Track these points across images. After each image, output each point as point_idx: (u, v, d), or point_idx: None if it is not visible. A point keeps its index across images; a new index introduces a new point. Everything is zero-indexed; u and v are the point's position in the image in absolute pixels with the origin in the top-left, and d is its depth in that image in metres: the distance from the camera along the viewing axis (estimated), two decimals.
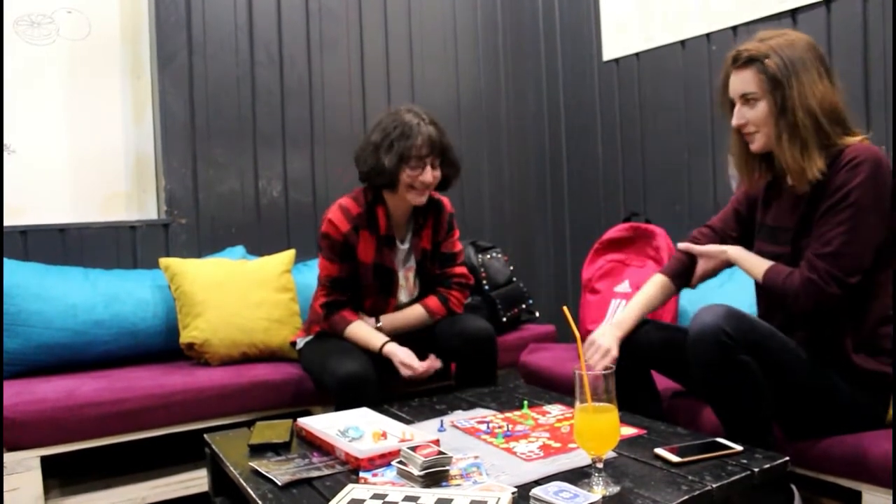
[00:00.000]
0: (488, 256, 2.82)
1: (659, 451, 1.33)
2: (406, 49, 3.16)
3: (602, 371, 1.18)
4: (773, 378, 1.45)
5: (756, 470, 1.24)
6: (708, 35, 2.61)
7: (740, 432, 1.42)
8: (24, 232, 2.38)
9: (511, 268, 2.86)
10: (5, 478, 1.77)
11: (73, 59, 2.55)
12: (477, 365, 2.01)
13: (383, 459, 1.33)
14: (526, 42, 3.46)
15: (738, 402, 1.44)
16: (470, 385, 1.97)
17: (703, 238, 1.76)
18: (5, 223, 2.33)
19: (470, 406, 1.76)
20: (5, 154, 2.42)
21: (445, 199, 2.15)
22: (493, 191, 3.39)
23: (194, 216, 2.68)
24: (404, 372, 1.90)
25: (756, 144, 1.56)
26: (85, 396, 1.89)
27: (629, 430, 1.48)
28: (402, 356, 1.91)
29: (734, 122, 1.56)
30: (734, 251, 1.62)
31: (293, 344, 2.17)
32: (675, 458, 1.29)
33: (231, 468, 1.39)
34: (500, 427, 1.54)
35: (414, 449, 1.26)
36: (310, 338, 2.10)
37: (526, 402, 1.70)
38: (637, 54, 2.91)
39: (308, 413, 1.90)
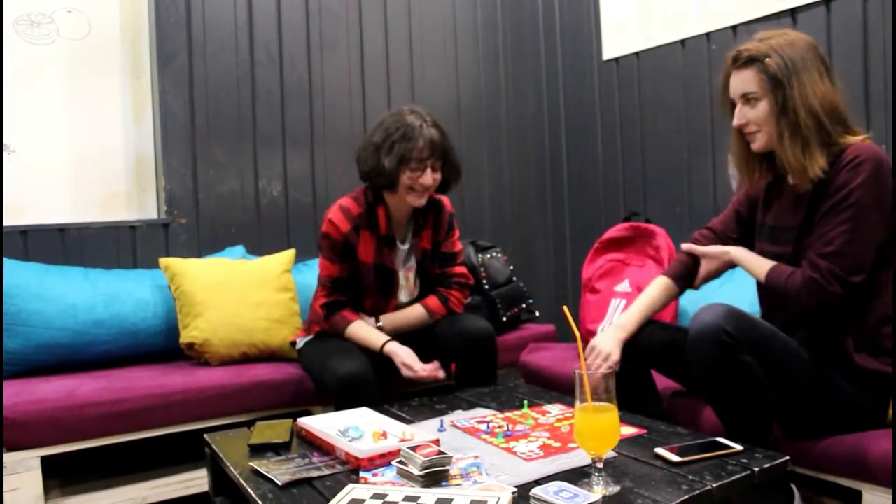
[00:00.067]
0: (488, 256, 2.82)
1: (659, 450, 1.33)
2: (406, 49, 3.16)
3: (602, 371, 1.18)
4: (773, 378, 1.44)
5: (756, 469, 1.24)
6: (708, 35, 2.61)
7: (741, 432, 1.42)
8: (24, 232, 2.38)
9: (511, 267, 2.86)
10: (5, 478, 1.76)
11: (73, 59, 2.55)
12: (477, 365, 2.01)
13: (383, 459, 1.33)
14: (526, 42, 3.46)
15: (739, 402, 1.44)
16: (470, 385, 1.97)
17: (703, 240, 1.75)
18: (5, 223, 2.33)
19: (470, 406, 1.76)
20: (5, 154, 2.42)
21: (445, 199, 2.15)
22: (493, 191, 3.39)
23: (194, 216, 2.68)
24: (405, 372, 1.90)
25: (757, 144, 1.56)
26: (85, 396, 1.89)
27: (629, 430, 1.48)
28: (404, 356, 1.91)
29: (735, 121, 1.56)
30: (737, 252, 1.63)
31: (293, 344, 2.17)
32: (675, 458, 1.29)
33: (231, 468, 1.39)
34: (500, 427, 1.54)
35: (414, 449, 1.26)
36: (310, 338, 2.10)
37: (526, 402, 1.70)
38: (637, 54, 2.91)
39: (308, 413, 1.90)
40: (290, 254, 2.54)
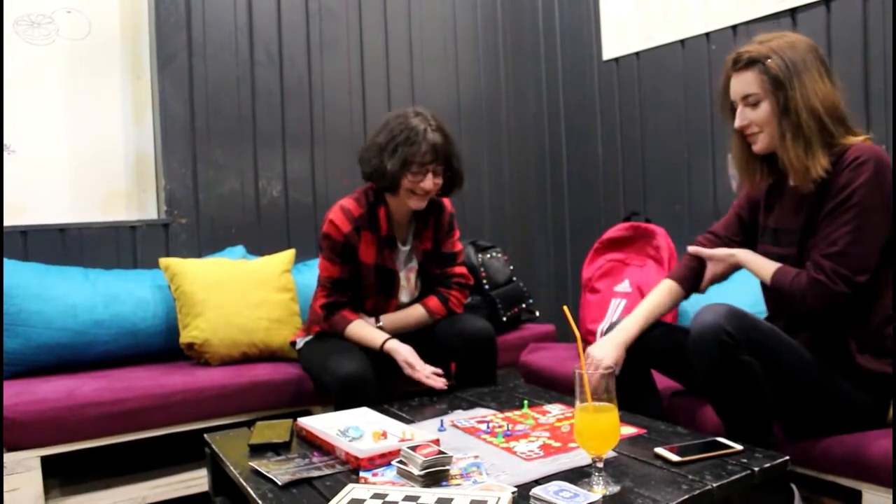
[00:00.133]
0: (488, 256, 2.82)
1: (659, 450, 1.33)
2: (406, 49, 3.16)
3: (602, 371, 1.18)
4: (774, 377, 1.44)
5: (756, 469, 1.24)
6: (708, 35, 2.61)
7: (741, 432, 1.42)
8: (24, 232, 2.38)
9: (511, 267, 2.86)
10: (5, 478, 1.77)
11: (73, 59, 2.55)
12: (477, 365, 2.01)
13: (383, 459, 1.33)
14: (526, 42, 3.46)
15: (739, 402, 1.44)
16: (470, 385, 1.97)
17: (707, 244, 1.75)
18: (5, 223, 2.33)
19: (470, 406, 1.76)
20: (5, 154, 2.42)
21: (446, 200, 2.15)
22: (493, 191, 3.39)
23: (194, 216, 2.68)
24: (407, 370, 1.90)
25: (759, 145, 1.56)
26: (85, 396, 1.89)
27: (629, 430, 1.48)
28: (406, 354, 1.91)
29: (737, 123, 1.56)
30: (742, 254, 1.62)
31: (293, 344, 2.17)
32: (675, 458, 1.29)
33: (231, 468, 1.39)
34: (500, 427, 1.54)
35: (414, 449, 1.26)
36: (310, 338, 2.10)
37: (526, 402, 1.70)
38: (637, 54, 2.91)
39: (308, 413, 1.90)
40: (290, 254, 2.54)
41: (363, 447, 1.35)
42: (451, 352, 2.04)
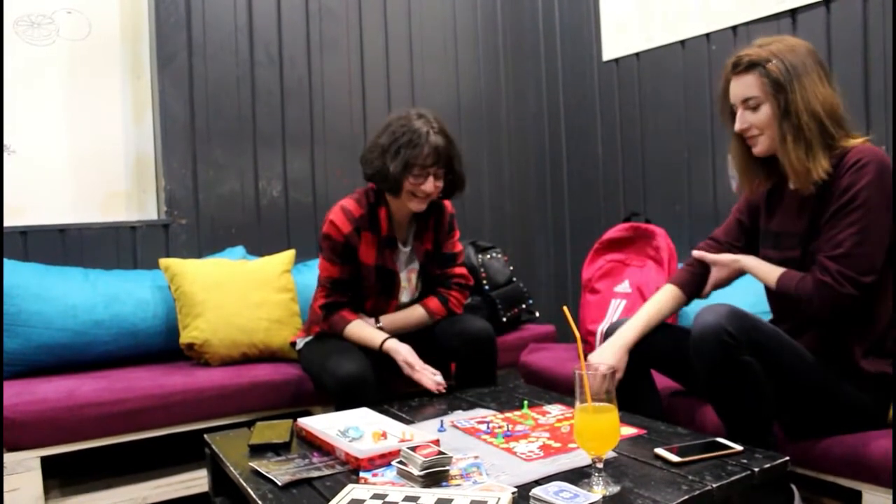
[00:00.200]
0: (488, 256, 2.82)
1: (659, 451, 1.33)
2: (406, 49, 3.16)
3: (602, 371, 1.18)
4: (775, 378, 1.45)
5: (756, 470, 1.24)
6: (708, 35, 2.61)
7: (741, 432, 1.43)
8: (24, 232, 2.38)
9: (511, 268, 2.86)
10: (5, 478, 1.77)
11: (73, 60, 2.55)
12: (477, 365, 2.01)
13: (383, 459, 1.33)
14: (526, 42, 3.46)
15: (740, 402, 1.44)
16: (470, 385, 1.97)
17: (708, 250, 1.75)
18: (5, 223, 2.33)
19: (470, 406, 1.76)
20: (5, 154, 2.42)
21: (446, 200, 2.15)
22: (493, 191, 3.39)
23: (194, 216, 2.68)
24: (407, 370, 1.90)
25: (759, 147, 1.56)
26: (85, 396, 1.89)
27: (629, 430, 1.48)
28: (405, 353, 1.91)
29: (737, 126, 1.56)
30: (746, 260, 1.62)
31: (293, 344, 2.17)
32: (675, 458, 1.29)
33: (231, 468, 1.39)
34: (500, 427, 1.54)
35: (414, 449, 1.26)
36: (309, 338, 2.10)
37: (526, 402, 1.70)
38: (637, 54, 2.91)
39: (308, 413, 1.90)
40: (290, 254, 2.54)
41: (363, 447, 1.35)
42: (451, 352, 2.04)
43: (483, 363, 2.02)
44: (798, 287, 1.47)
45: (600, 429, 1.16)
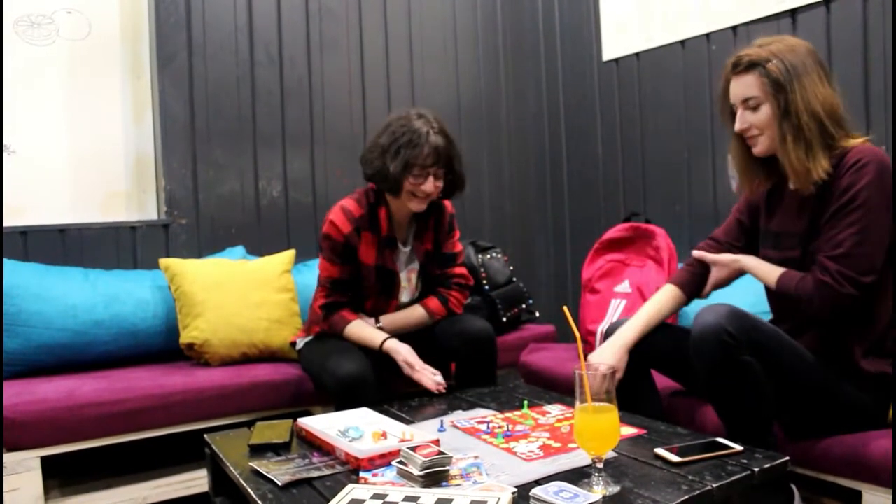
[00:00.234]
0: (488, 256, 2.82)
1: (659, 451, 1.33)
2: (406, 49, 3.16)
3: (602, 371, 1.18)
4: (775, 378, 1.45)
5: (756, 470, 1.24)
6: (708, 35, 2.61)
7: (741, 432, 1.43)
8: (24, 232, 2.38)
9: (511, 268, 2.86)
10: (5, 478, 1.76)
11: (73, 59, 2.55)
12: (477, 365, 2.01)
13: (383, 459, 1.33)
14: (526, 42, 3.46)
15: (740, 402, 1.44)
16: (470, 385, 1.97)
17: (708, 250, 1.75)
18: (5, 223, 2.33)
19: (470, 406, 1.76)
20: (5, 154, 2.42)
21: (446, 200, 2.15)
22: (493, 191, 3.39)
23: (194, 216, 2.68)
24: (406, 370, 1.90)
25: (759, 147, 1.56)
26: (85, 397, 1.89)
27: (629, 430, 1.48)
28: (405, 353, 1.91)
29: (737, 126, 1.56)
30: (747, 260, 1.62)
31: (293, 344, 2.17)
32: (675, 458, 1.29)
33: (231, 468, 1.39)
34: (500, 427, 1.54)
35: (414, 449, 1.26)
36: (309, 338, 2.10)
37: (526, 402, 1.70)
38: (637, 54, 2.91)
39: (308, 413, 1.90)
40: (290, 254, 2.54)
41: (363, 447, 1.35)
42: (451, 352, 2.04)
43: (483, 363, 2.02)
44: (798, 287, 1.47)
45: (600, 429, 1.16)
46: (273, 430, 1.56)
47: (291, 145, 2.88)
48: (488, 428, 1.54)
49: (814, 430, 1.51)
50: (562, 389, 2.01)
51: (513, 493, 1.15)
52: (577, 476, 1.24)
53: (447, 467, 1.25)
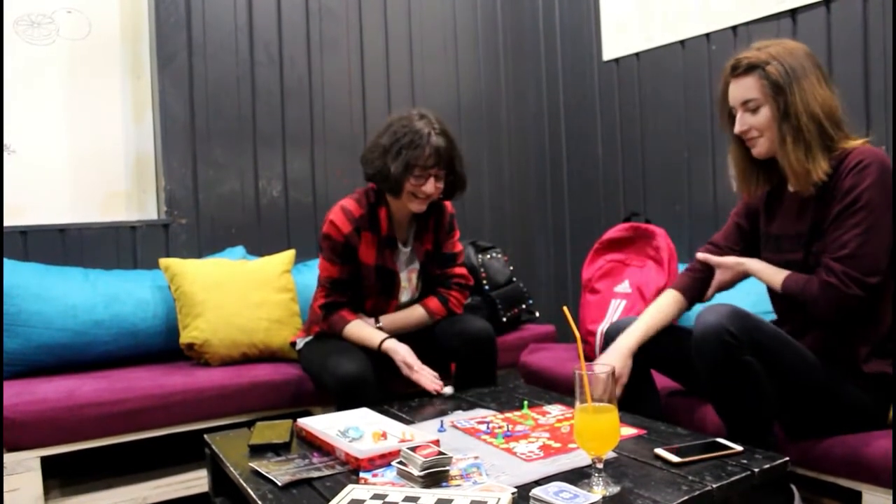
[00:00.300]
0: (488, 256, 2.82)
1: (659, 451, 1.33)
2: (406, 49, 3.16)
3: (602, 371, 1.18)
4: (776, 378, 1.45)
5: (756, 470, 1.24)
6: (708, 35, 2.61)
7: (742, 432, 1.43)
8: (24, 232, 2.38)
9: (511, 268, 2.86)
10: (5, 478, 1.77)
11: (73, 59, 2.55)
12: (477, 365, 2.01)
13: (383, 460, 1.33)
14: (526, 42, 3.46)
15: (741, 402, 1.44)
16: (470, 385, 1.97)
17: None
18: (5, 223, 2.33)
19: (470, 406, 1.76)
20: (5, 154, 2.42)
21: (446, 200, 2.15)
22: (493, 191, 3.39)
23: (194, 216, 2.68)
24: (405, 371, 1.90)
25: (759, 149, 1.56)
26: (85, 396, 1.89)
27: (629, 430, 1.48)
28: (404, 353, 1.91)
29: (737, 128, 1.57)
30: (751, 263, 1.62)
31: (293, 344, 2.17)
32: (675, 458, 1.29)
33: (231, 468, 1.39)
34: (500, 427, 1.54)
35: (414, 449, 1.26)
36: (310, 338, 2.10)
37: (526, 402, 1.70)
38: (637, 54, 2.91)
39: (308, 413, 1.90)
40: (290, 254, 2.54)
41: (363, 448, 1.35)
42: (451, 352, 2.04)
43: (483, 363, 2.02)
44: (804, 289, 1.47)
45: (600, 429, 1.16)
46: (273, 431, 1.56)
47: (291, 145, 2.88)
48: (488, 428, 1.54)
49: (814, 430, 1.51)
50: (562, 389, 2.01)
51: (513, 494, 1.15)
52: (577, 476, 1.24)
53: (447, 467, 1.25)
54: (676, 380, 1.81)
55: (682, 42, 2.71)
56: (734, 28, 2.50)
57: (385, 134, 1.96)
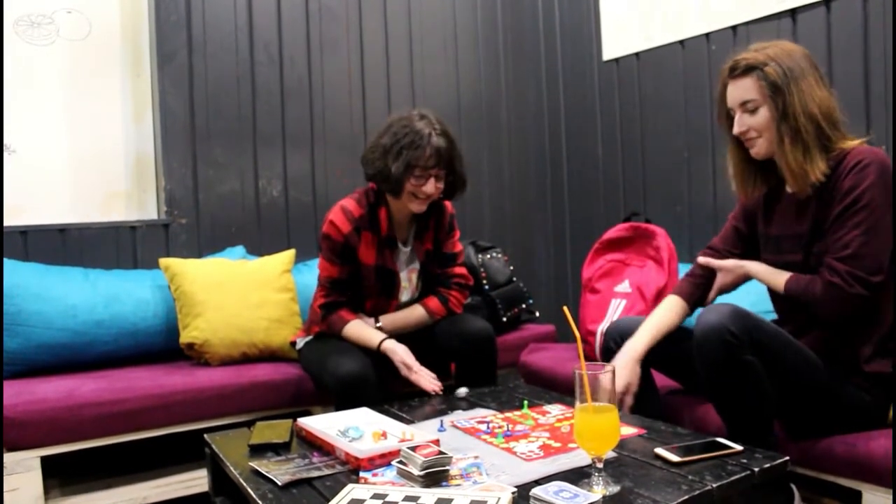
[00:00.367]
0: (488, 256, 2.82)
1: (659, 450, 1.33)
2: (406, 49, 3.16)
3: (602, 371, 1.18)
4: (777, 377, 1.45)
5: (756, 470, 1.24)
6: (707, 35, 2.61)
7: (742, 431, 1.43)
8: (24, 232, 2.38)
9: (511, 268, 2.86)
10: (5, 478, 1.77)
11: (73, 59, 2.55)
12: (477, 365, 2.01)
13: (383, 459, 1.33)
14: (526, 42, 3.46)
15: (742, 402, 1.44)
16: (470, 385, 1.97)
17: None
18: (5, 223, 2.33)
19: (470, 406, 1.75)
20: (5, 154, 2.42)
21: (446, 200, 2.15)
22: (493, 191, 3.39)
23: (194, 216, 2.68)
24: (404, 371, 1.90)
25: (758, 150, 1.56)
26: (85, 396, 1.89)
27: (629, 430, 1.48)
28: (402, 354, 1.91)
29: (735, 129, 1.57)
30: (753, 266, 1.63)
31: (293, 344, 2.17)
32: (675, 458, 1.29)
33: (231, 468, 1.39)
34: (500, 427, 1.54)
35: (414, 449, 1.26)
36: (309, 338, 2.10)
37: (526, 402, 1.70)
38: (637, 54, 2.91)
39: (308, 413, 1.90)
40: (290, 254, 2.54)
41: (363, 447, 1.35)
42: (451, 352, 2.04)
43: (483, 363, 2.02)
44: (807, 290, 1.48)
45: (600, 429, 1.16)
46: (273, 430, 1.55)
47: (291, 145, 2.88)
48: (488, 428, 1.54)
49: (815, 429, 1.51)
50: (562, 389, 2.01)
51: (513, 493, 1.15)
52: (577, 476, 1.24)
53: (447, 467, 1.25)
54: (676, 379, 1.81)
55: (681, 42, 2.71)
56: (734, 28, 2.50)
57: (385, 134, 1.96)
